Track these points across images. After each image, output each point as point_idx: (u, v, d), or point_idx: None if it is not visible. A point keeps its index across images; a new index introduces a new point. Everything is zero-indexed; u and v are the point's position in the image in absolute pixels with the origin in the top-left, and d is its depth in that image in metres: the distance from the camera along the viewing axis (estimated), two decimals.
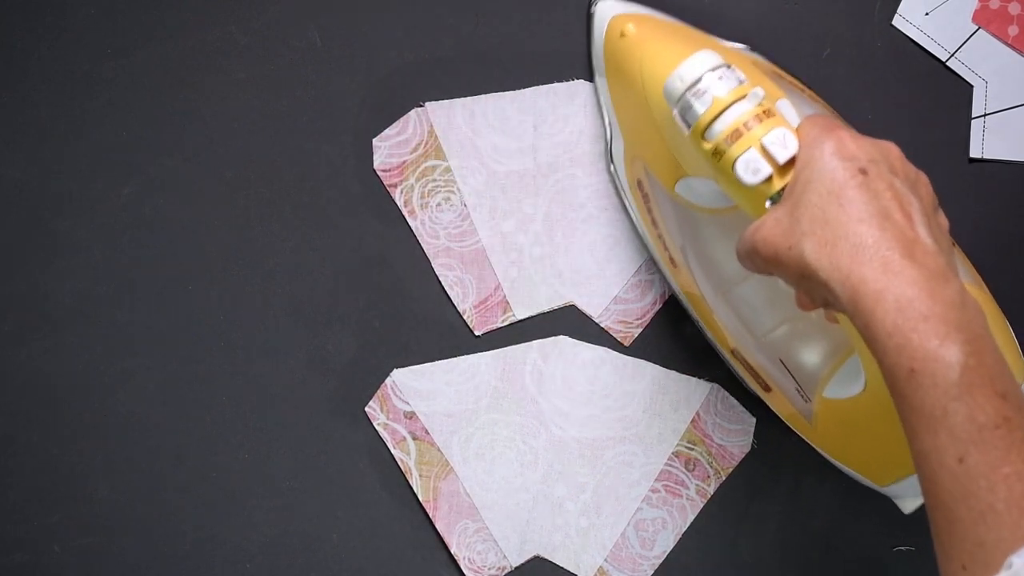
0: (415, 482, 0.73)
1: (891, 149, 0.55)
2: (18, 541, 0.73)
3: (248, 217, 0.74)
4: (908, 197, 0.52)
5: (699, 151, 0.57)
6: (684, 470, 0.73)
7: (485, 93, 0.73)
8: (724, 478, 0.73)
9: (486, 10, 0.73)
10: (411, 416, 0.73)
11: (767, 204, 0.55)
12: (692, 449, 0.73)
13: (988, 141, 0.72)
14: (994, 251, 0.73)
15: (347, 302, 0.74)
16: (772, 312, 0.65)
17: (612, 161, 0.69)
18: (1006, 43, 0.72)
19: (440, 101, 0.73)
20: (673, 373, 0.73)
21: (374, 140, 0.73)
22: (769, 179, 0.55)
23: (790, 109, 0.58)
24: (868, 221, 0.51)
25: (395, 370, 0.73)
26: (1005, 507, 0.45)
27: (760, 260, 0.55)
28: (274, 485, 0.74)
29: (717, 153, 0.56)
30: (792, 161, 0.55)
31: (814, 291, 0.53)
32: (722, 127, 0.56)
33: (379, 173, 0.73)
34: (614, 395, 0.73)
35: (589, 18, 0.70)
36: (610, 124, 0.68)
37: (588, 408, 0.73)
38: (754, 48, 0.68)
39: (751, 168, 0.55)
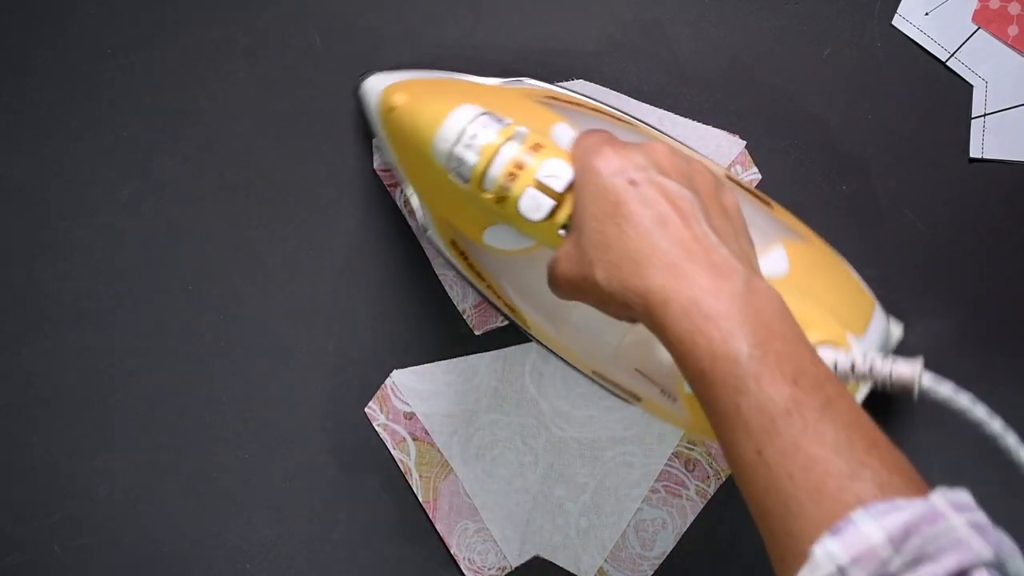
0: (415, 483, 0.73)
1: (657, 149, 0.55)
2: (18, 541, 0.73)
3: (248, 217, 0.74)
4: (682, 194, 0.53)
5: (483, 201, 0.58)
6: (684, 470, 0.73)
7: None
8: (724, 478, 0.73)
9: (486, 9, 0.73)
10: (411, 417, 0.73)
11: (560, 233, 0.56)
12: (692, 449, 0.73)
13: (988, 141, 0.72)
14: (994, 251, 0.73)
15: (347, 302, 0.73)
16: (612, 328, 0.65)
17: (427, 230, 0.69)
18: (1006, 43, 0.72)
19: None
20: None
21: (374, 140, 0.73)
22: (554, 211, 0.56)
23: (567, 131, 0.59)
24: (646, 233, 0.51)
25: (395, 371, 0.73)
26: (806, 495, 0.46)
27: (565, 292, 0.56)
28: (274, 485, 0.74)
29: (499, 199, 0.57)
30: (571, 188, 0.55)
31: (619, 312, 0.54)
32: (496, 172, 0.57)
33: (379, 173, 0.73)
34: (614, 395, 0.73)
35: (359, 98, 0.70)
36: (412, 193, 0.68)
37: (588, 408, 0.73)
38: (530, 75, 0.68)
39: (533, 205, 0.56)
